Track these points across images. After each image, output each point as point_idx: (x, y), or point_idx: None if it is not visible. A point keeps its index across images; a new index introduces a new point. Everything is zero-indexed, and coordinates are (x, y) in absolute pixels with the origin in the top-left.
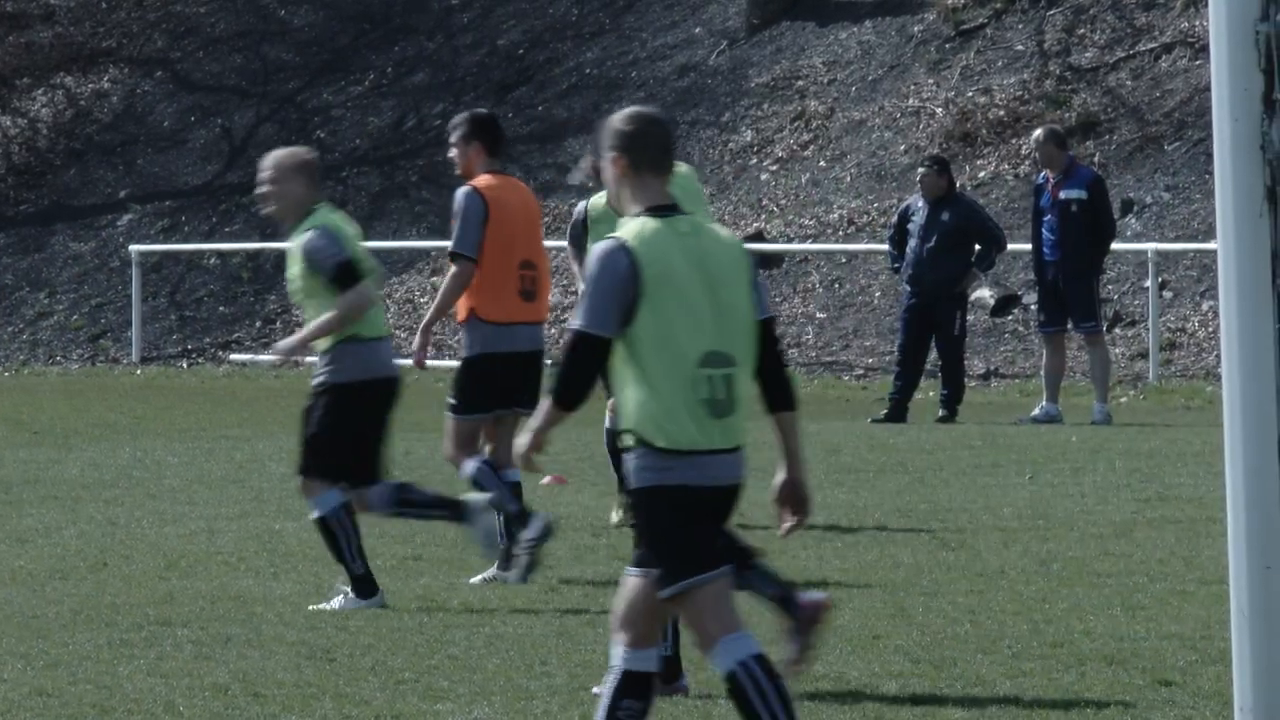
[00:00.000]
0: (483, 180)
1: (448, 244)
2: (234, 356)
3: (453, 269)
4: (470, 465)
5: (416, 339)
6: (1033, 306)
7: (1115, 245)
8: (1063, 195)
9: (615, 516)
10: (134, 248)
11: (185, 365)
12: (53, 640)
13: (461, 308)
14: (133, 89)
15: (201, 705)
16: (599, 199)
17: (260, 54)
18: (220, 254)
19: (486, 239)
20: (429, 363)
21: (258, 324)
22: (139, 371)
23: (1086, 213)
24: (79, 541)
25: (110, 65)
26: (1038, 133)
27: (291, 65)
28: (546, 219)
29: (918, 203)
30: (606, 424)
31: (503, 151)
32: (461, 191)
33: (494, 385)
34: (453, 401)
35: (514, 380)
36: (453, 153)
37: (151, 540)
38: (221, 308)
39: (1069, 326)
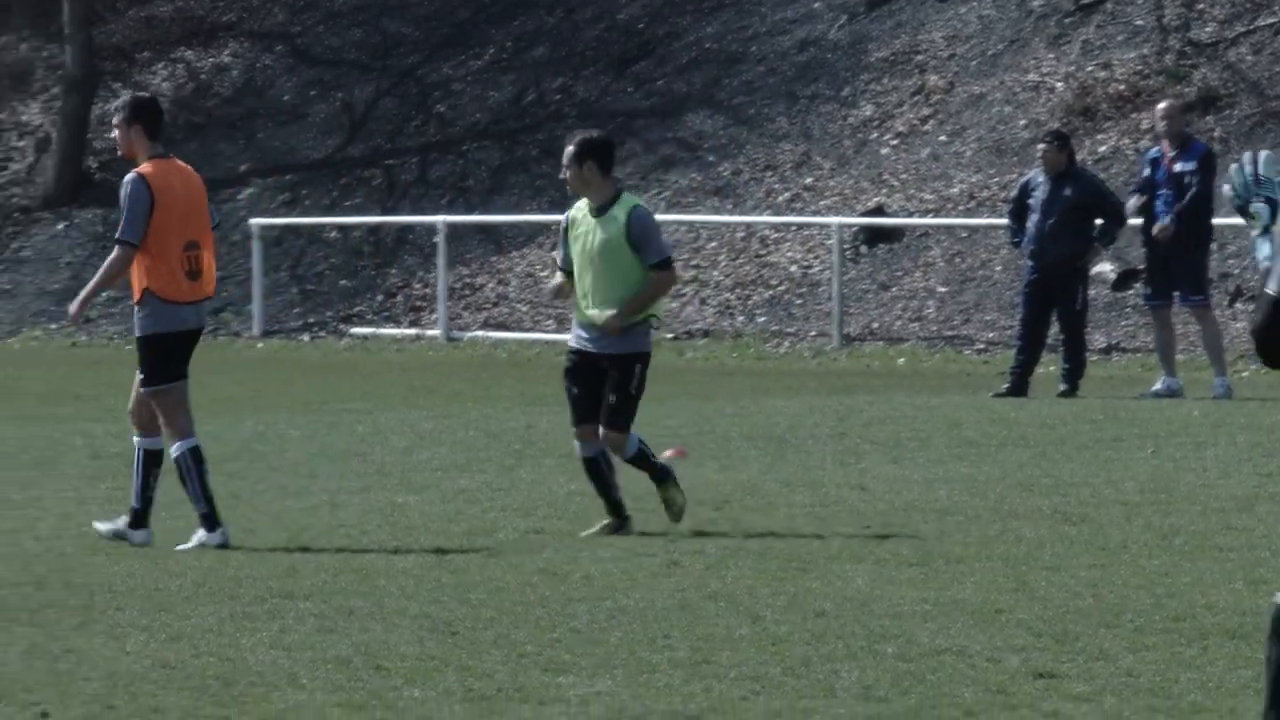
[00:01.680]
0: (147, 167)
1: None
2: (355, 330)
3: (115, 252)
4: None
5: (74, 306)
6: None
7: (1238, 220)
8: (1178, 168)
9: (596, 528)
10: (255, 221)
11: (306, 338)
12: (176, 613)
13: (136, 288)
14: (253, 63)
15: (324, 678)
16: None
17: (380, 28)
18: (341, 227)
19: (154, 223)
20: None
21: (379, 297)
22: (260, 345)
23: (1201, 186)
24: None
25: (230, 39)
26: (1166, 104)
27: (411, 39)
28: (666, 193)
29: (1038, 177)
30: (579, 453)
31: (163, 134)
32: (128, 179)
33: (172, 358)
34: (143, 376)
35: (181, 355)
36: (114, 135)
37: (274, 513)
38: (342, 281)
39: (1175, 300)
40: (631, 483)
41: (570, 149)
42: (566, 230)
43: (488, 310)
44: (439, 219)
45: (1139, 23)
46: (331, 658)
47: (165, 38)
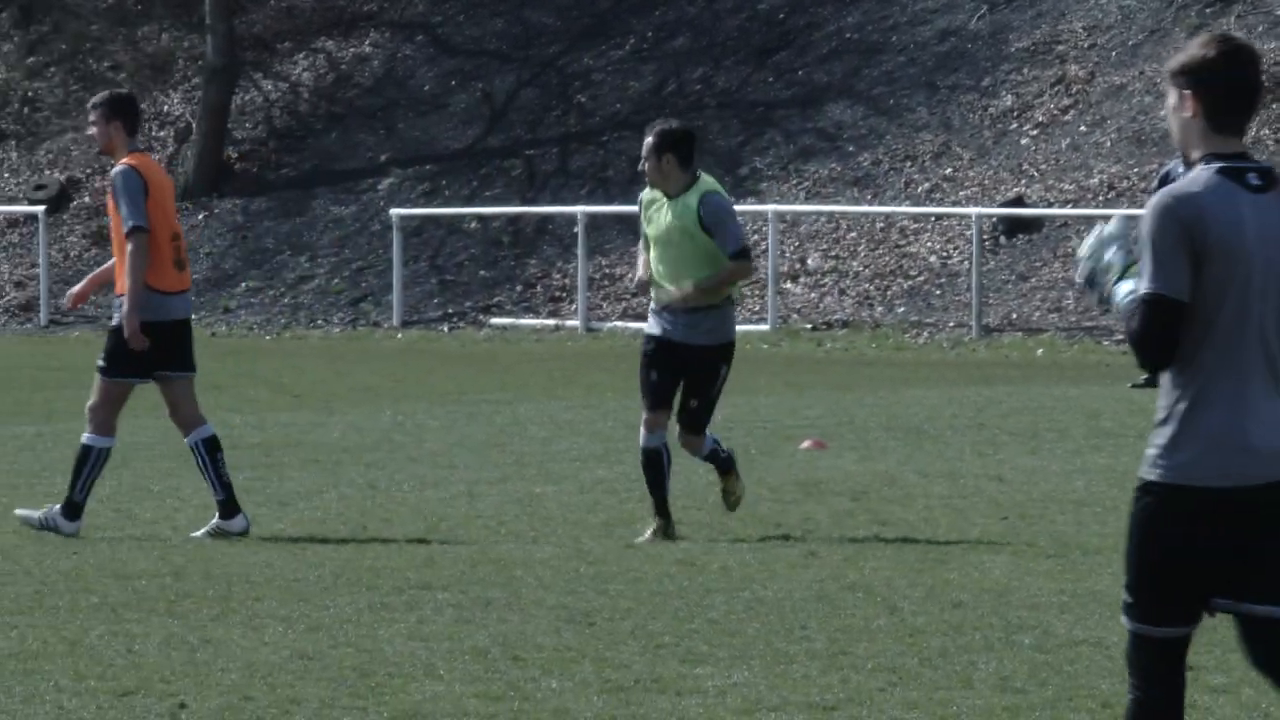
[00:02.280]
0: (133, 159)
1: None
2: (495, 320)
3: (131, 244)
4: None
5: (73, 293)
6: None
7: None
8: None
9: (648, 534)
10: (395, 211)
11: (446, 329)
12: (314, 604)
13: (119, 279)
14: (393, 53)
15: (461, 669)
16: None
17: (521, 18)
18: (480, 218)
19: (146, 213)
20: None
21: (518, 288)
22: (400, 335)
23: None
24: (340, 505)
25: (371, 29)
26: None
27: (552, 29)
28: (806, 183)
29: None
30: (643, 442)
31: (140, 129)
32: (117, 171)
33: (151, 351)
34: (102, 364)
35: (170, 345)
36: (92, 130)
37: (412, 504)
38: (482, 272)
39: None
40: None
41: (650, 140)
42: (641, 211)
43: (626, 301)
44: (579, 209)
45: None
46: (469, 648)
47: (306, 28)
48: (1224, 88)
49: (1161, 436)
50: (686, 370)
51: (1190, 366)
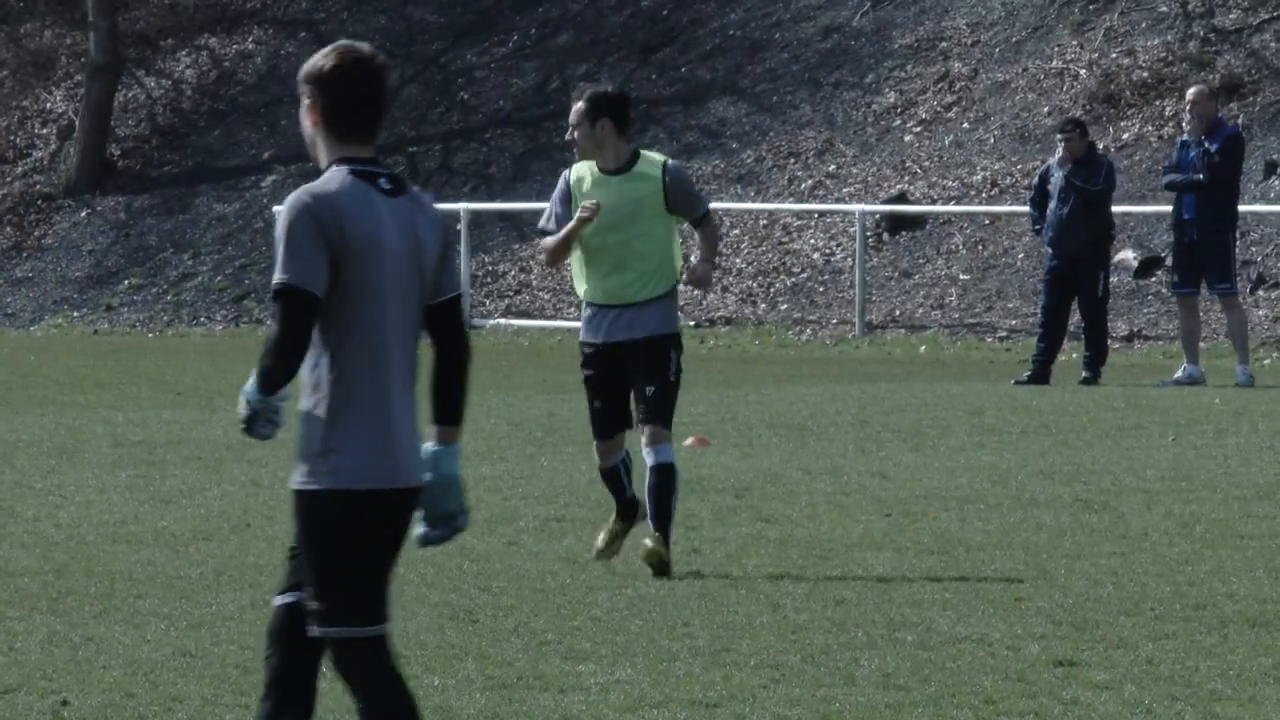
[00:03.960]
0: None
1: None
2: None
3: None
4: None
5: None
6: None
7: (1260, 207)
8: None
9: (600, 540)
10: (278, 209)
11: None
12: (196, 601)
13: None
14: (276, 49)
15: None
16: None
17: (404, 14)
18: None
19: None
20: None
21: None
22: None
23: (1224, 171)
24: (222, 503)
25: (254, 26)
26: (1195, 89)
27: (435, 26)
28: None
29: (1058, 166)
30: (600, 464)
31: None
32: None
33: None
34: None
35: None
36: None
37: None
38: None
39: (1203, 288)
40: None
41: (580, 105)
42: (569, 193)
43: (509, 298)
44: (461, 206)
45: (1163, 9)
46: None
47: (189, 25)
48: (344, 98)
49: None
50: (636, 368)
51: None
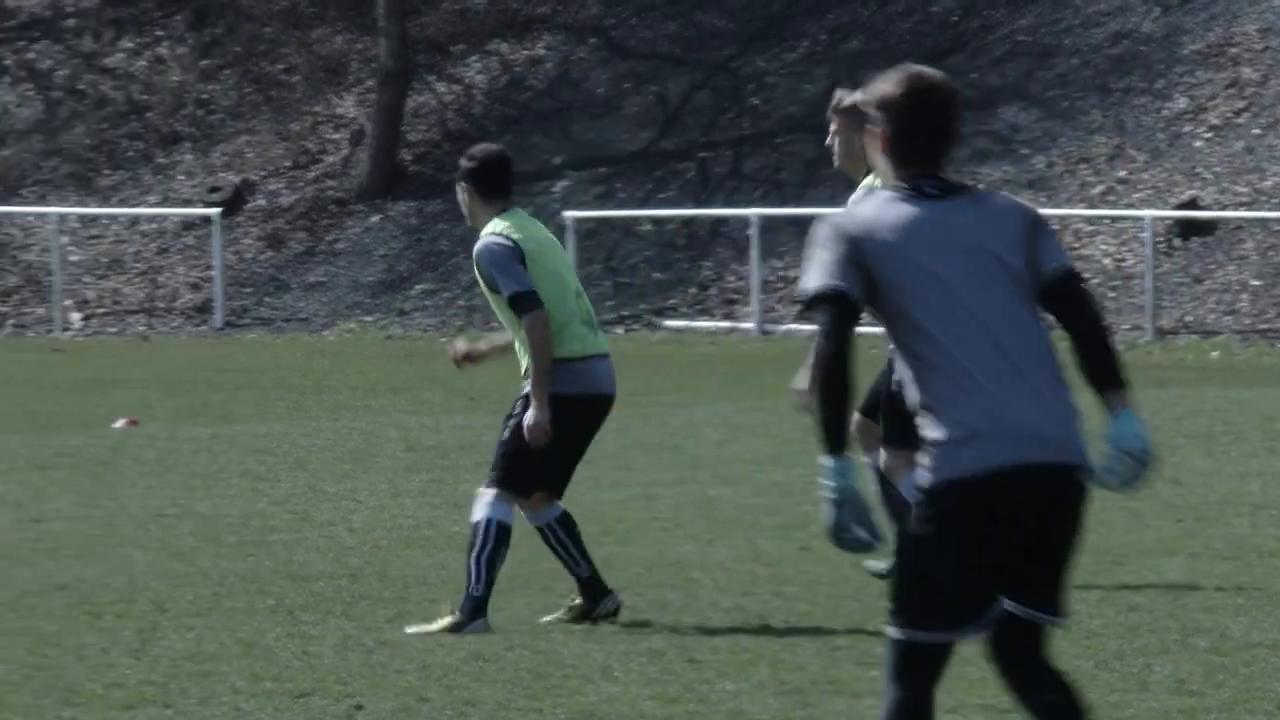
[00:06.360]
0: None
1: None
2: (669, 323)
3: None
4: None
5: None
6: None
7: None
8: None
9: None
10: (569, 214)
11: (621, 331)
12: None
13: None
14: (567, 55)
15: (637, 670)
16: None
17: (694, 21)
18: (655, 220)
19: None
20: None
21: (693, 290)
22: None
23: None
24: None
25: (545, 31)
26: None
27: (725, 32)
28: (980, 186)
29: None
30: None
31: None
32: None
33: None
34: None
35: None
36: None
37: (588, 505)
38: (656, 274)
39: None
40: None
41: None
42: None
43: (800, 304)
44: (753, 212)
45: None
46: (645, 650)
47: (480, 30)
48: (911, 126)
49: None
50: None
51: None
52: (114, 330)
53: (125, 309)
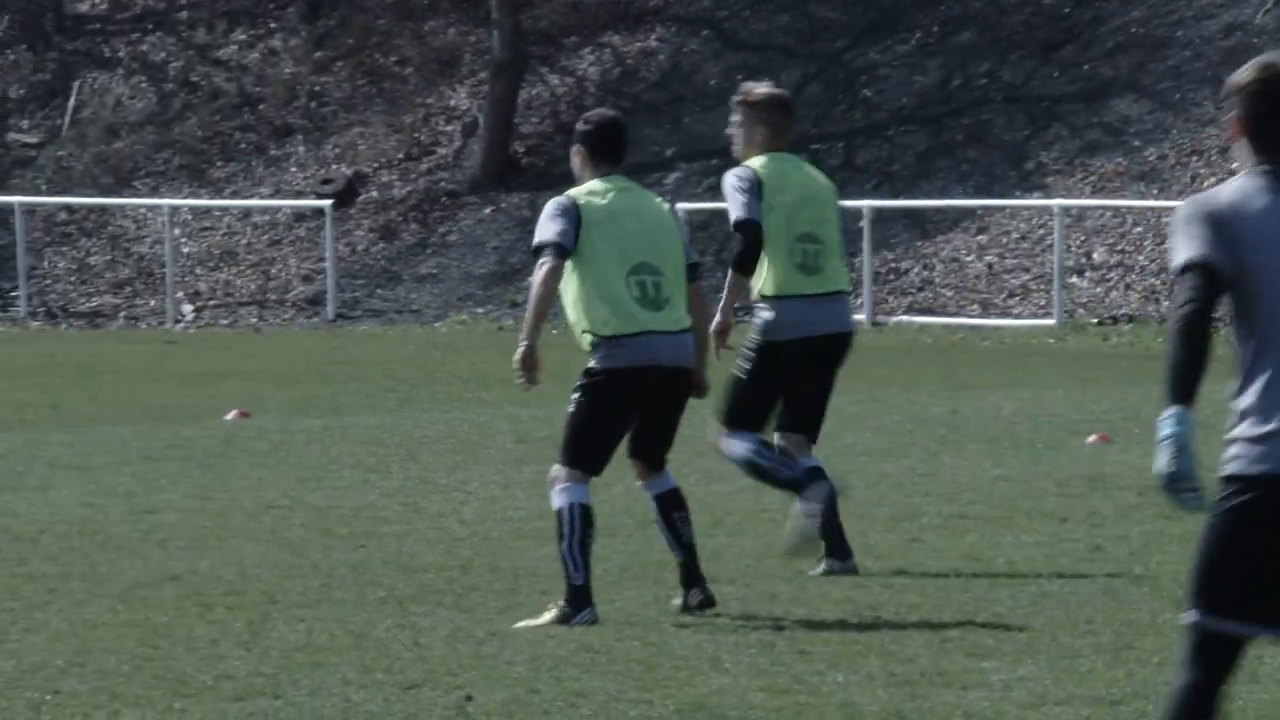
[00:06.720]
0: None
1: (995, 202)
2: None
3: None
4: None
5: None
6: None
7: None
8: None
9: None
10: (681, 206)
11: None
12: (600, 596)
13: None
14: (679, 47)
15: (747, 662)
16: None
17: (806, 12)
18: None
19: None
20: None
21: None
22: None
23: None
24: (626, 498)
25: (657, 24)
26: None
27: (837, 24)
28: (1092, 178)
29: None
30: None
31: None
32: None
33: None
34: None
35: None
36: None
37: (699, 497)
38: None
39: None
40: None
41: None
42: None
43: (912, 295)
44: (864, 204)
45: None
46: (755, 642)
47: (592, 22)
48: (1264, 112)
49: None
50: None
51: None
52: (226, 322)
53: (237, 301)
